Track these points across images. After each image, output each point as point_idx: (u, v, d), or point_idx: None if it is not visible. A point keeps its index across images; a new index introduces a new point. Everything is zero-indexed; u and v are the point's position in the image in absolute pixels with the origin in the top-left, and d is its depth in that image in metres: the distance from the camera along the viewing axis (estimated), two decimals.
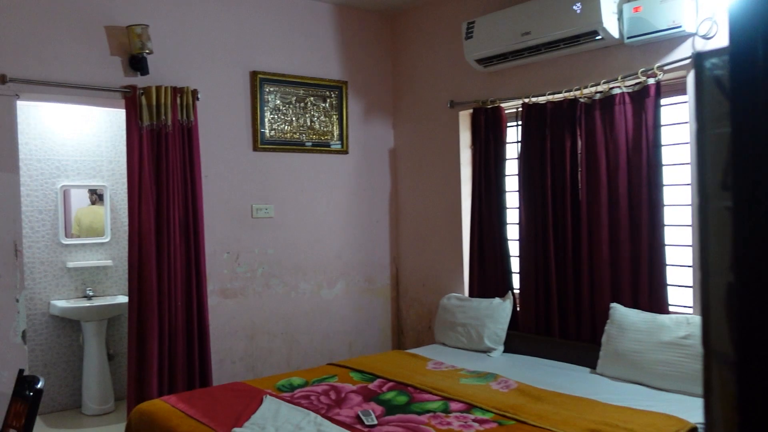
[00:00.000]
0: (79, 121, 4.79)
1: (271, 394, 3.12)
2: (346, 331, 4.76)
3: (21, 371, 2.72)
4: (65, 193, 4.79)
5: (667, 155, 3.39)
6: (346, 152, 4.74)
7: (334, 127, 4.68)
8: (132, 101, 3.77)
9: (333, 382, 3.34)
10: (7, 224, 3.42)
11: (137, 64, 3.78)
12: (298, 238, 4.53)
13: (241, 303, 4.28)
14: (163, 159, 3.83)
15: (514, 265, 4.15)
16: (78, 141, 4.83)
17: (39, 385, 2.59)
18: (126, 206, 4.33)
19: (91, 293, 4.71)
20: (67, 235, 4.79)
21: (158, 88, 3.81)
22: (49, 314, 4.67)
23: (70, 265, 4.75)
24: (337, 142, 4.70)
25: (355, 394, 3.14)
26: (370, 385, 3.29)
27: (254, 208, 4.33)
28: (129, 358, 3.76)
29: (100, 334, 4.55)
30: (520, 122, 4.08)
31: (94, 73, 3.70)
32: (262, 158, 4.36)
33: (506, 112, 4.20)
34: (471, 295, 4.32)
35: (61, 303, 4.62)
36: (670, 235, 3.38)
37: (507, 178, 4.18)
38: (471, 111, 4.35)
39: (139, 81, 3.81)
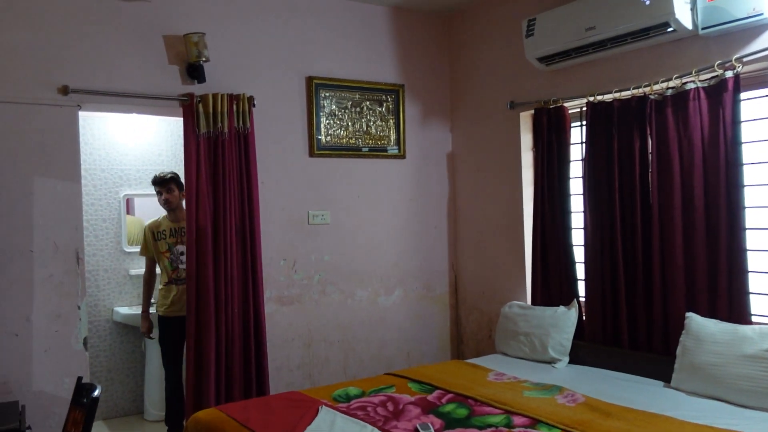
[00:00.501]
0: (141, 131, 4.87)
1: (327, 405, 3.04)
2: (403, 340, 4.66)
3: (79, 379, 2.73)
4: (128, 202, 4.88)
5: (747, 153, 3.15)
6: (403, 157, 4.64)
7: (391, 132, 4.60)
8: (189, 109, 3.78)
9: (390, 393, 3.24)
10: (69, 232, 3.47)
11: (194, 72, 3.80)
12: (355, 244, 4.46)
13: (298, 310, 4.24)
14: (219, 166, 3.83)
15: (579, 271, 3.96)
16: (140, 150, 4.91)
17: (95, 393, 2.59)
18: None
19: (153, 300, 4.75)
20: (129, 243, 4.87)
21: (215, 96, 3.81)
22: (113, 321, 4.75)
23: (133, 272, 4.83)
24: (394, 147, 4.61)
25: (414, 406, 3.03)
26: (429, 397, 3.17)
27: (310, 215, 4.28)
28: (187, 365, 3.76)
29: None
30: (584, 122, 3.89)
31: (153, 82, 3.73)
32: (318, 164, 4.32)
33: (570, 111, 4.02)
34: (534, 303, 4.14)
35: (124, 310, 4.70)
36: (751, 239, 3.13)
37: (571, 181, 4.00)
38: (532, 112, 4.19)
39: (197, 89, 3.82)
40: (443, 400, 3.12)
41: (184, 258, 3.94)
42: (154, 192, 4.12)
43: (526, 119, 4.30)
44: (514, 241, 4.37)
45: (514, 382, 3.37)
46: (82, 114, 4.57)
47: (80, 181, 3.53)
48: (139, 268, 4.88)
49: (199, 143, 3.80)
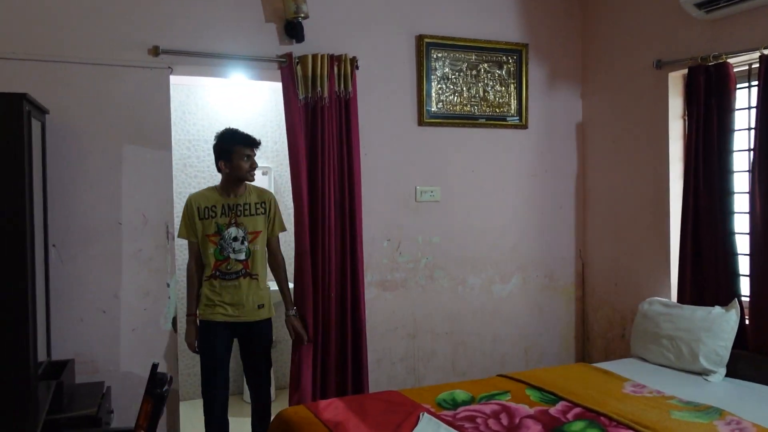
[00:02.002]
0: (245, 101, 4.61)
1: (429, 412, 2.61)
2: (520, 335, 4.12)
3: (154, 366, 2.46)
4: None
5: None
6: (524, 127, 4.07)
7: (511, 98, 4.03)
8: (288, 71, 3.43)
9: (505, 401, 2.75)
10: (160, 204, 3.24)
11: (292, 30, 3.44)
12: (468, 225, 3.96)
13: (402, 297, 3.82)
14: (318, 135, 3.46)
15: (743, 265, 3.25)
16: (244, 122, 4.65)
17: (166, 388, 2.31)
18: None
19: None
20: None
21: (314, 57, 3.43)
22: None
23: None
24: (515, 116, 4.04)
25: (533, 421, 2.52)
26: (552, 410, 2.65)
27: (418, 191, 3.83)
28: (292, 351, 3.45)
29: None
30: (755, 82, 3.15)
31: (248, 42, 3.40)
32: (428, 134, 3.84)
33: (735, 70, 3.28)
34: (681, 300, 3.46)
35: None
36: None
37: (734, 155, 3.28)
38: (685, 71, 3.48)
39: (295, 49, 3.46)
40: (569, 416, 2.58)
41: (237, 246, 3.07)
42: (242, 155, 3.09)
43: (676, 81, 3.60)
44: (656, 225, 3.70)
45: (658, 398, 2.77)
46: (184, 84, 4.43)
47: (171, 149, 3.28)
48: None
49: (298, 110, 3.44)
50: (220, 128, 4.59)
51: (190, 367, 4.44)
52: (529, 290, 4.14)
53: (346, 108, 3.54)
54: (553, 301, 4.21)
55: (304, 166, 3.44)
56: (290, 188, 3.50)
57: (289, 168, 3.45)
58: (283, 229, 3.25)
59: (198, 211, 3.08)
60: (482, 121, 3.96)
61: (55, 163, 3.02)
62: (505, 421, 2.54)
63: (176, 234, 3.18)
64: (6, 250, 2.38)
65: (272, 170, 4.65)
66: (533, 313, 4.15)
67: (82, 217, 3.10)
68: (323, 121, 3.46)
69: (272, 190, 4.55)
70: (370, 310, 3.67)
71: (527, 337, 4.14)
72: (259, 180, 4.47)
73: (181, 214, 3.14)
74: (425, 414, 2.57)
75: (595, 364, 3.36)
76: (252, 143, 3.11)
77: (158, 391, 2.33)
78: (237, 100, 4.60)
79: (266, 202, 3.17)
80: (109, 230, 3.15)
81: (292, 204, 3.50)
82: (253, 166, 3.10)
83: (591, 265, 4.22)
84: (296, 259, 3.45)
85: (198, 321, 3.13)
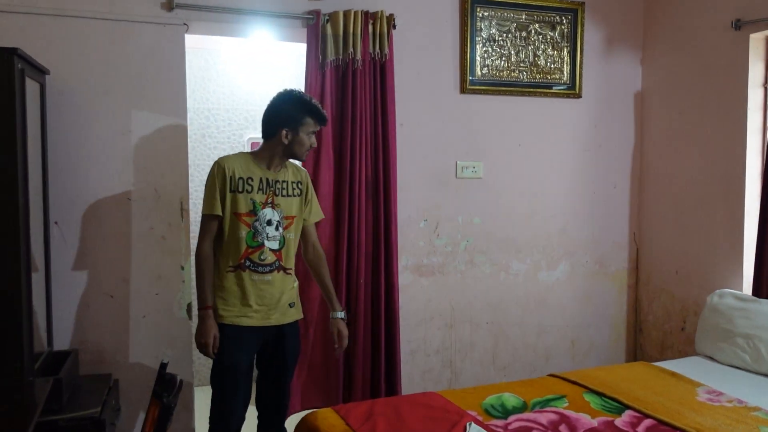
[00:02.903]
0: (269, 67, 4.24)
1: (476, 421, 2.26)
2: (568, 326, 3.75)
3: (163, 366, 2.15)
4: (252, 147, 4.32)
5: None
6: (577, 96, 3.65)
7: (564, 64, 3.61)
8: (314, 31, 3.05)
9: (562, 410, 2.39)
10: (173, 178, 2.91)
11: None
12: (512, 204, 3.58)
13: (440, 283, 3.46)
14: (348, 102, 3.09)
15: None
16: (267, 90, 4.28)
17: (175, 394, 2.00)
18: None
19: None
20: None
21: (347, 13, 3.05)
22: None
23: None
24: (567, 83, 3.62)
25: None
26: (618, 421, 2.29)
27: (459, 166, 3.45)
28: (304, 348, 3.13)
29: None
30: None
31: None
32: (471, 103, 3.45)
33: None
34: (758, 294, 3.06)
35: None
36: None
37: None
38: None
39: (324, 5, 3.08)
40: (640, 430, 2.22)
41: (271, 231, 2.46)
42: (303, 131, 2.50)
43: (758, 43, 3.15)
44: (728, 207, 3.28)
45: (740, 409, 2.40)
46: (202, 48, 4.07)
47: (186, 116, 2.93)
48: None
49: (324, 74, 3.07)
50: (243, 97, 4.23)
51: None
52: (577, 277, 3.75)
53: (381, 72, 3.16)
54: (604, 289, 3.82)
55: (328, 137, 3.08)
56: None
57: None
58: (322, 215, 2.75)
59: (231, 180, 2.42)
60: (531, 88, 3.54)
61: (56, 131, 2.69)
62: None
63: (202, 208, 2.47)
64: None
65: None
66: (582, 301, 3.77)
67: (86, 191, 2.78)
68: (355, 86, 3.09)
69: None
70: (403, 297, 3.33)
71: (575, 328, 3.77)
72: None
73: (205, 186, 2.46)
74: (473, 424, 2.22)
75: (658, 363, 2.98)
76: (323, 120, 2.54)
77: (166, 399, 2.03)
78: (260, 66, 4.23)
79: (302, 182, 2.61)
80: (117, 206, 2.83)
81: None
82: (314, 145, 2.55)
83: (647, 251, 3.82)
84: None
85: (223, 327, 2.43)
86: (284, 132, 2.46)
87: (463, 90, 3.41)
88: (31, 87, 2.41)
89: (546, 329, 3.70)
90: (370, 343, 3.21)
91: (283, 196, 2.52)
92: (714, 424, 2.23)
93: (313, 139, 2.52)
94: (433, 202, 3.42)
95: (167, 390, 2.02)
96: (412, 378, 3.42)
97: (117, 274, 2.85)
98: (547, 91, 3.58)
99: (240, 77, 4.22)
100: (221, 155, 2.66)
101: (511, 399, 2.50)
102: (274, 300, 2.49)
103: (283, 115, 2.48)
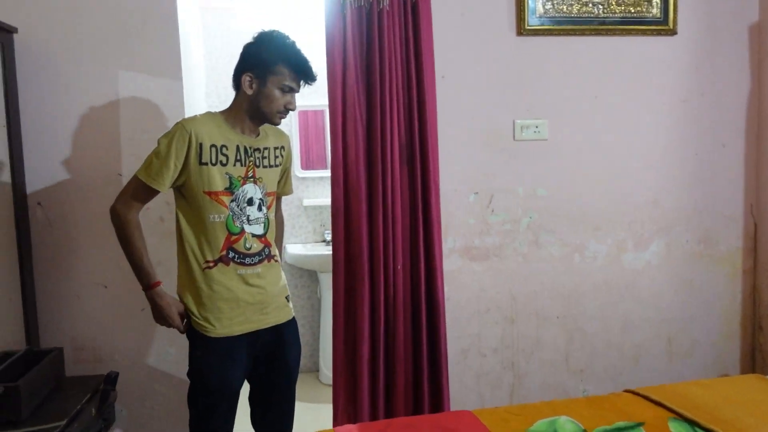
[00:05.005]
0: (288, 23, 3.74)
1: None
2: (663, 320, 3.04)
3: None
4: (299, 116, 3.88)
5: None
6: (671, 32, 2.89)
7: None
8: None
9: None
10: None
11: None
12: (588, 171, 2.91)
13: (496, 269, 2.87)
14: (375, 53, 2.55)
15: None
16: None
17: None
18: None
19: (329, 237, 3.74)
20: (304, 166, 3.91)
21: None
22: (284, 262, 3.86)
23: (308, 202, 3.86)
24: (658, 16, 2.88)
25: None
26: None
27: (518, 126, 2.83)
28: (334, 345, 2.65)
29: None
30: None
31: None
32: (531, 47, 2.80)
33: None
34: None
35: (296, 248, 3.77)
36: None
37: None
38: None
39: None
40: None
41: (253, 213, 1.99)
42: (287, 88, 1.96)
43: None
44: None
45: None
46: (218, 7, 3.61)
47: (181, 77, 2.50)
48: (316, 198, 3.90)
49: (345, 17, 2.55)
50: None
51: None
52: (675, 260, 3.02)
53: (414, 14, 2.59)
54: (710, 275, 3.07)
55: (354, 95, 2.56)
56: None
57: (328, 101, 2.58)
58: (292, 191, 2.29)
59: (201, 148, 1.89)
60: (610, 26, 2.84)
61: (29, 98, 2.35)
62: None
63: (144, 175, 1.92)
64: None
65: (327, 109, 3.79)
66: (680, 290, 3.04)
67: (70, 166, 2.43)
68: (382, 33, 2.55)
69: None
70: (451, 285, 2.78)
71: (672, 322, 3.05)
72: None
73: (157, 146, 1.94)
74: None
75: None
76: (305, 73, 1.95)
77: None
78: (280, 22, 3.71)
79: (285, 147, 2.13)
80: (106, 182, 2.46)
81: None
82: (289, 106, 1.97)
83: None
84: (340, 218, 2.60)
85: (204, 339, 1.96)
86: (247, 79, 1.93)
87: (521, 31, 2.77)
88: None
89: (634, 324, 3.02)
90: (410, 341, 2.69)
91: (264, 167, 2.03)
92: None
93: (289, 98, 1.96)
94: (486, 171, 2.82)
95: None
96: (464, 382, 2.87)
97: (110, 260, 2.48)
98: (632, 27, 2.85)
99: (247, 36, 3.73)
100: None
101: (567, 426, 1.89)
102: (269, 296, 2.02)
103: (251, 58, 1.94)
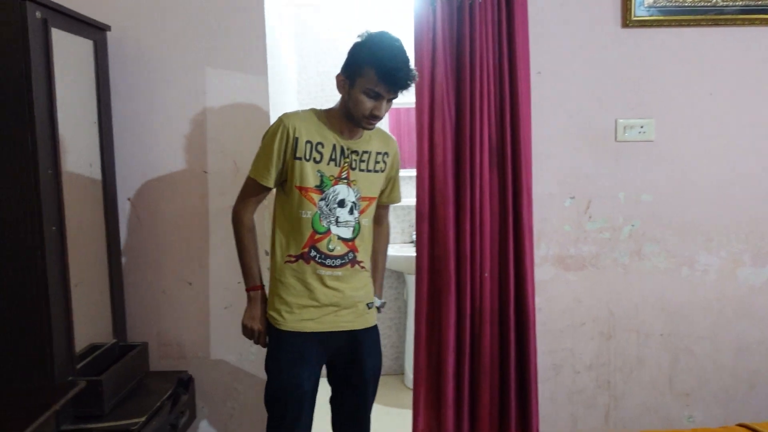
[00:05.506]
0: (377, 18, 3.66)
1: None
2: None
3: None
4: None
5: None
6: None
7: None
8: None
9: None
10: (255, 147, 2.44)
11: None
12: (699, 176, 2.64)
13: (593, 280, 2.66)
14: (466, 48, 2.42)
15: None
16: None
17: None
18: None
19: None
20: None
21: None
22: None
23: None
24: None
25: None
26: None
27: (620, 126, 2.60)
28: (416, 354, 2.55)
29: None
30: None
31: None
32: (638, 39, 2.57)
33: None
34: None
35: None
36: None
37: None
38: None
39: None
40: None
41: (343, 215, 1.94)
42: (374, 94, 1.83)
43: None
44: None
45: None
46: (308, 4, 3.61)
47: (266, 72, 2.46)
48: (405, 197, 3.78)
49: (435, 10, 2.43)
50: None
51: None
52: None
53: (507, 4, 2.43)
54: None
55: (442, 91, 2.44)
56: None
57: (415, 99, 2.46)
58: (401, 199, 2.21)
59: (297, 143, 1.87)
60: (729, 15, 2.56)
61: (120, 96, 2.39)
62: None
63: (251, 172, 1.96)
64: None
65: None
66: None
67: (158, 164, 2.45)
68: (473, 26, 2.41)
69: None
70: (542, 296, 2.60)
71: None
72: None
73: (262, 142, 1.96)
74: None
75: None
76: (391, 79, 1.78)
77: None
78: (369, 17, 3.62)
79: (390, 153, 2.05)
80: (191, 180, 2.47)
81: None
82: (377, 113, 1.84)
83: None
84: (425, 223, 2.49)
85: (270, 330, 1.99)
86: (340, 79, 1.90)
87: (627, 23, 2.54)
88: (77, 44, 2.10)
89: (749, 346, 2.71)
90: (497, 353, 2.53)
91: (362, 170, 1.97)
92: None
93: (380, 105, 1.83)
94: (584, 173, 2.61)
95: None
96: (556, 399, 2.68)
97: (194, 257, 2.49)
98: (756, 16, 2.56)
99: (345, 32, 3.67)
100: None
101: None
102: (346, 300, 1.97)
103: (348, 58, 1.90)
